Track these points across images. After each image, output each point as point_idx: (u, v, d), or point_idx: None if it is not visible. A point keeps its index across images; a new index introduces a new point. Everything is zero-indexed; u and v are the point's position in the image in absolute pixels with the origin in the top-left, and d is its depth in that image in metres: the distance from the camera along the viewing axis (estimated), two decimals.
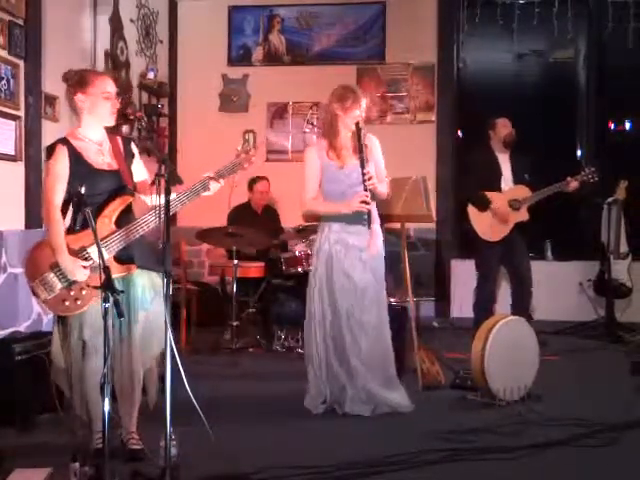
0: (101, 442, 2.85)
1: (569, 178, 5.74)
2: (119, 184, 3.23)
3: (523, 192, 5.75)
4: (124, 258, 3.18)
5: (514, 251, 5.78)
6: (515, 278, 5.90)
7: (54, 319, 3.24)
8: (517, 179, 5.83)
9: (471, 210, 5.80)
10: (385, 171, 4.05)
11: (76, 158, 3.17)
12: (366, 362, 3.91)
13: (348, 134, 3.94)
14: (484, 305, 5.74)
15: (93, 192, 3.11)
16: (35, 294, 3.15)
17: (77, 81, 3.23)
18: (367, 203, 3.81)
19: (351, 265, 3.93)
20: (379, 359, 3.97)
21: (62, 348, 3.21)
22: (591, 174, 5.75)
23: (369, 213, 3.86)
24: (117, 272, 3.12)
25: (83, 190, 2.87)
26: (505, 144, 5.85)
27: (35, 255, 3.16)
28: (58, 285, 3.08)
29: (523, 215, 5.75)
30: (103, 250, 2.96)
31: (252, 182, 6.52)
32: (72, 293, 3.08)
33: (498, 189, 5.78)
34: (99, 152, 3.25)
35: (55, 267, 3.08)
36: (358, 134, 3.84)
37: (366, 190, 3.80)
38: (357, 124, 3.84)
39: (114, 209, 3.18)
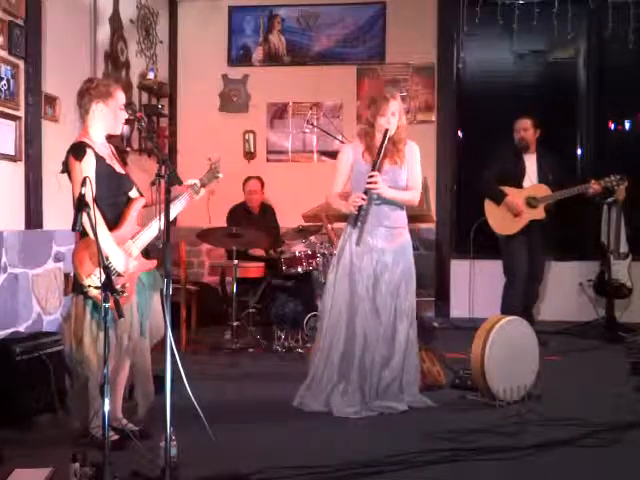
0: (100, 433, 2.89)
1: (593, 181, 5.75)
2: (132, 186, 3.41)
3: (542, 191, 5.79)
4: (145, 253, 3.36)
5: (531, 248, 5.83)
6: (526, 275, 5.90)
7: (90, 316, 3.24)
8: (542, 179, 5.85)
9: (487, 204, 5.88)
10: (419, 180, 4.10)
11: (100, 161, 3.28)
12: (371, 363, 3.93)
13: None
14: (509, 310, 5.52)
15: (119, 194, 3.33)
16: (87, 291, 3.18)
17: (102, 92, 3.33)
18: (362, 200, 3.88)
19: (369, 266, 3.96)
20: (387, 363, 3.97)
21: (94, 344, 3.23)
22: (617, 181, 5.75)
23: (359, 213, 3.92)
24: (146, 267, 3.35)
25: (84, 191, 2.88)
26: (519, 147, 5.88)
27: (85, 252, 3.20)
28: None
29: (539, 213, 5.78)
30: (134, 247, 3.26)
31: (244, 182, 6.54)
32: (118, 286, 3.14)
33: (519, 187, 5.81)
34: (109, 157, 3.37)
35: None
36: (382, 140, 3.93)
37: (366, 192, 3.88)
38: (385, 132, 3.93)
39: (136, 209, 3.35)
